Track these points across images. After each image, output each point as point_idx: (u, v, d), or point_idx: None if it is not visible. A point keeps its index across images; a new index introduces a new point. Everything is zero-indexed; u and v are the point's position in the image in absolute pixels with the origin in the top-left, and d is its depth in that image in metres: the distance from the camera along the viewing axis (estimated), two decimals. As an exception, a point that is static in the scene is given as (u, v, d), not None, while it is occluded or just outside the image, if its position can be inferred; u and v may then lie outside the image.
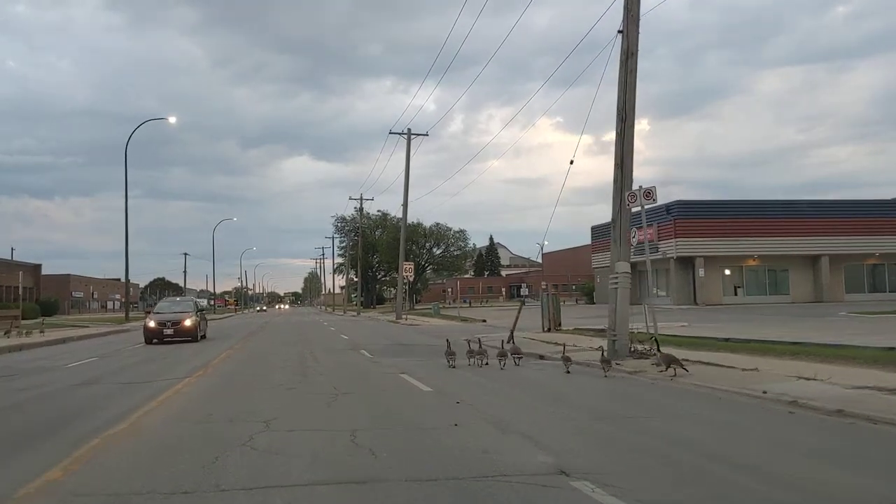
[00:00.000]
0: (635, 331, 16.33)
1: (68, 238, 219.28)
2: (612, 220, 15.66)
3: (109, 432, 7.81)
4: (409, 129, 47.01)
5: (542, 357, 17.44)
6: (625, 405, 9.39)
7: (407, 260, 48.00)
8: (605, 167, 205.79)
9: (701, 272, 46.02)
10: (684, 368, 11.98)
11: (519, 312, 22.43)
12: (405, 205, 46.98)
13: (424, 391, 10.86)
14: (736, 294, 47.85)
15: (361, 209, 75.72)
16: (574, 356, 16.39)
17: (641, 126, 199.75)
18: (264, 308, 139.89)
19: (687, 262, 47.19)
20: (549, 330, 25.88)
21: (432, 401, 9.94)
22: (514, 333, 25.31)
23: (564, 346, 15.94)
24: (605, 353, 13.95)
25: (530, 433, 7.22)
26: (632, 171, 15.53)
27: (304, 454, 6.49)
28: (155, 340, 24.54)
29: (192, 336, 25.09)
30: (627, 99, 15.36)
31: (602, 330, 24.07)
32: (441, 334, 27.17)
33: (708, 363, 13.30)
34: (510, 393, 10.81)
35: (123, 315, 55.89)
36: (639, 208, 14.22)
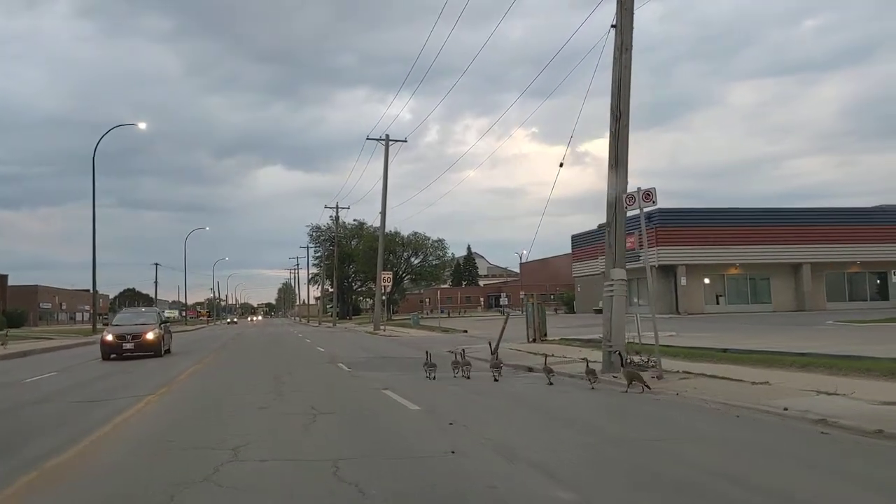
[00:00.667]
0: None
1: (37, 249, 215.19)
2: (607, 223, 14.83)
3: (52, 462, 6.75)
4: (387, 135, 46.11)
5: (530, 369, 16.53)
6: (637, 425, 8.47)
7: (385, 269, 46.94)
8: (578, 178, 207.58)
9: (683, 281, 45.48)
10: (647, 386, 11.24)
11: (505, 323, 21.50)
12: (383, 212, 46.01)
13: (412, 410, 9.87)
14: (717, 303, 47.34)
15: (337, 218, 74.56)
16: (565, 368, 15.54)
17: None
18: (235, 320, 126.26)
19: (668, 271, 46.64)
20: (534, 340, 25.01)
21: (422, 422, 8.95)
22: (504, 344, 24.45)
23: (546, 357, 15.10)
24: (590, 365, 13.21)
25: (540, 461, 6.27)
26: (627, 172, 14.73)
27: (279, 491, 5.50)
28: (113, 356, 22.33)
29: (155, 350, 22.88)
30: (622, 96, 14.56)
31: (590, 340, 23.29)
32: (422, 346, 26.16)
33: (712, 376, 12.46)
34: (505, 411, 9.87)
35: (91, 327, 54.38)
36: (636, 211, 13.38)
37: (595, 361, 16.39)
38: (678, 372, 13.23)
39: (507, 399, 11.10)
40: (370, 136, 46.56)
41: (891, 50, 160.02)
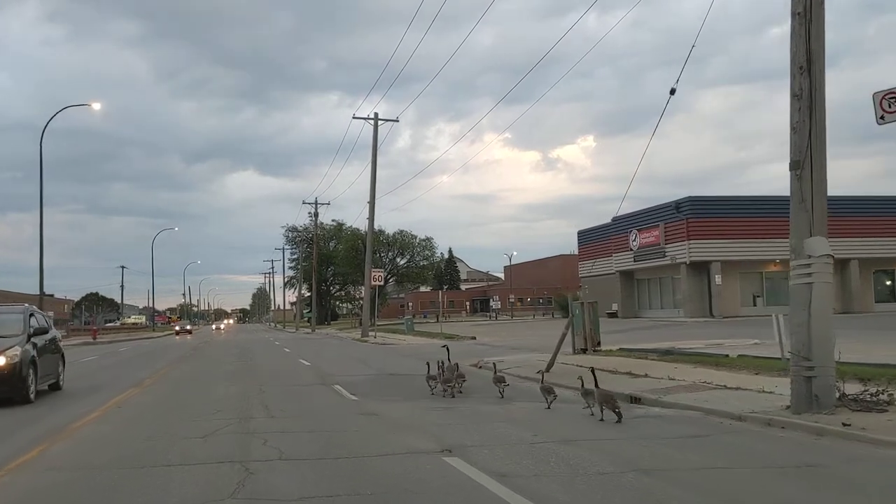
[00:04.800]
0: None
1: (7, 255, 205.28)
2: (793, 165, 9.07)
3: None
4: (375, 114, 40.09)
5: (637, 400, 10.71)
6: None
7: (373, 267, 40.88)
8: (553, 184, 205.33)
9: (717, 279, 39.72)
10: (617, 412, 8.46)
11: (567, 328, 15.70)
12: (372, 201, 39.79)
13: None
14: (754, 304, 41.46)
15: (316, 214, 68.22)
16: (696, 400, 9.82)
17: (588, 143, 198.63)
18: (188, 327, 79.50)
19: (701, 268, 40.89)
20: (584, 351, 19.12)
21: None
22: (529, 355, 18.83)
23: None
24: (585, 386, 9.38)
25: None
26: (824, 74, 9.02)
27: None
28: None
29: (13, 389, 11.87)
30: (814, -41, 8.83)
31: (668, 352, 17.52)
32: (431, 358, 20.38)
33: None
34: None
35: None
36: (890, 124, 7.63)
37: (742, 389, 10.76)
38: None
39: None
40: (357, 116, 40.62)
41: (854, 58, 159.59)
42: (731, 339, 21.74)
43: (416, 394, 12.19)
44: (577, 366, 15.99)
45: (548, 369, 15.36)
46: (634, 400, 10.85)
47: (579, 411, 9.80)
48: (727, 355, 15.22)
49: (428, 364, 12.37)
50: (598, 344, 19.67)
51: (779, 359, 13.15)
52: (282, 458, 6.70)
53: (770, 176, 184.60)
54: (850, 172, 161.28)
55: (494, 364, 13.83)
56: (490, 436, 7.68)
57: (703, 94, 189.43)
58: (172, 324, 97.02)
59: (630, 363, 15.54)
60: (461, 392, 11.64)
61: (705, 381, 11.77)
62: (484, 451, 6.75)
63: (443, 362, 12.24)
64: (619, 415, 8.46)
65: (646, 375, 13.15)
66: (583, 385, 9.29)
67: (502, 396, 10.96)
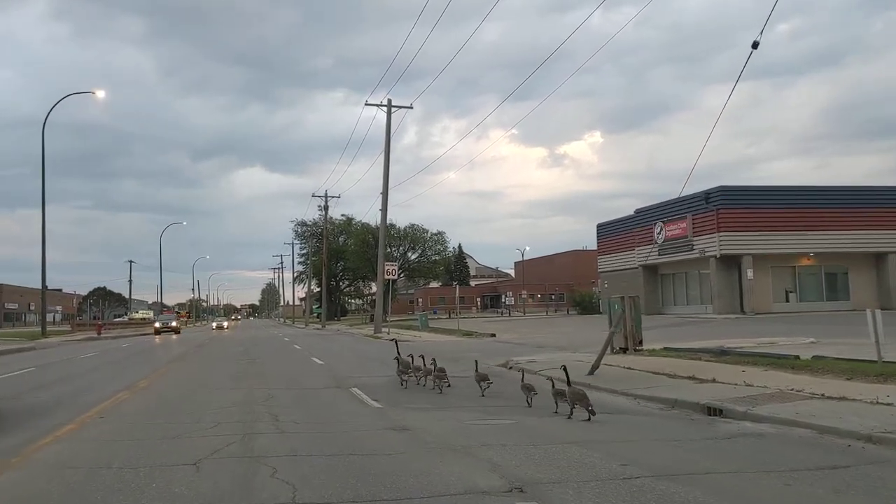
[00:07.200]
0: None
1: (14, 251, 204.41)
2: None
3: None
4: (389, 101, 38.33)
5: (717, 412, 8.93)
6: None
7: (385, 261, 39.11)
8: (560, 181, 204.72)
9: (749, 274, 37.69)
10: (589, 410, 8.17)
11: (616, 326, 13.91)
12: (385, 191, 37.97)
13: None
14: (787, 300, 39.51)
15: (326, 207, 66.50)
16: (804, 411, 8.02)
17: (594, 139, 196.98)
18: (172, 324, 58.22)
19: (731, 262, 38.84)
20: (624, 350, 17.25)
21: None
22: (560, 355, 17.10)
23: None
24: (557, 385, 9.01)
25: None
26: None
27: None
28: None
29: None
30: None
31: (723, 353, 15.64)
32: (454, 356, 18.72)
33: None
34: None
35: (51, 329, 46.17)
36: None
37: (847, 400, 8.97)
38: None
39: None
40: (369, 103, 38.87)
41: (860, 54, 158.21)
42: (781, 338, 19.90)
43: (445, 400, 10.55)
44: (625, 367, 14.21)
45: (592, 371, 13.64)
46: (714, 412, 9.07)
47: (648, 423, 8.21)
48: (797, 356, 13.38)
49: (397, 359, 12.58)
50: (640, 343, 17.78)
51: (871, 361, 11.35)
52: (296, 499, 4.96)
53: (777, 172, 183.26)
54: (855, 171, 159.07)
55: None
56: (564, 464, 5.92)
57: (708, 91, 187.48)
58: (180, 318, 79.30)
59: (684, 365, 13.73)
60: (449, 386, 11.50)
61: (794, 389, 9.96)
62: (568, 493, 4.99)
63: (405, 358, 12.61)
64: (592, 412, 8.25)
65: (713, 381, 11.35)
66: (553, 385, 8.99)
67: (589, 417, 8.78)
